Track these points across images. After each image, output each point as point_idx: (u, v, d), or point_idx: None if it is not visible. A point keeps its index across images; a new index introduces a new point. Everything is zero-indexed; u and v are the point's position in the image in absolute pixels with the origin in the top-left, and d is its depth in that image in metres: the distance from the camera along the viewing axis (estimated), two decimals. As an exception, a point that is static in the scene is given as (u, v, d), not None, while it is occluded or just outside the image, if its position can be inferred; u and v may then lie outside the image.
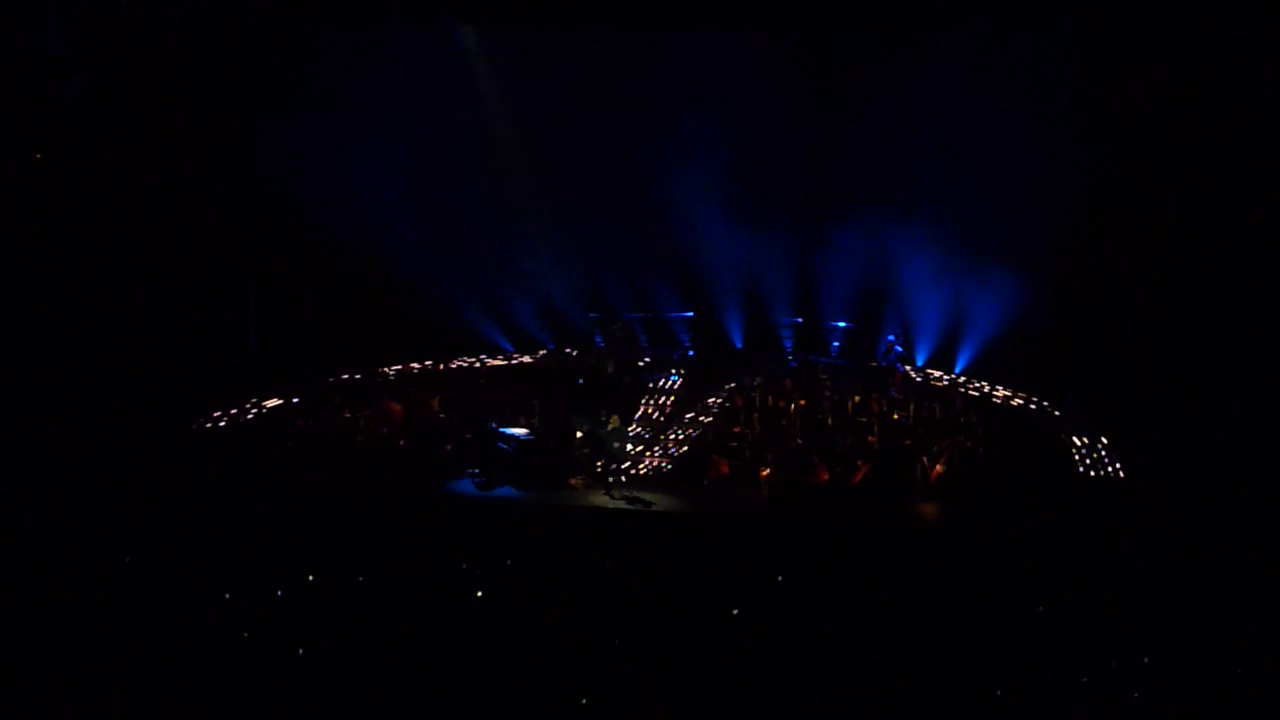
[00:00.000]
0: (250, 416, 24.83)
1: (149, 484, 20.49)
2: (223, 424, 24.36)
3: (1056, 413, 25.29)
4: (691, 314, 30.39)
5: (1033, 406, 25.86)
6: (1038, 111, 24.91)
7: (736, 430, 24.58)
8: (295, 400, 25.46)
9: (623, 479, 22.27)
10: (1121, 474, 22.69)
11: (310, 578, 15.85)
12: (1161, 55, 23.41)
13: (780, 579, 16.37)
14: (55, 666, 12.85)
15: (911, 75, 26.07)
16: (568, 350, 29.94)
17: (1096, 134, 24.54)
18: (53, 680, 12.59)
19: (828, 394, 25.91)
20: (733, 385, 26.44)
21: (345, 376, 27.23)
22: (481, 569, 16.54)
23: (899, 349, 27.61)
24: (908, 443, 23.47)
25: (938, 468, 22.39)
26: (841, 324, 29.49)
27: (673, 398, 26.35)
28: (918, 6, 25.17)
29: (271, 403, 25.24)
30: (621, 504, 21.13)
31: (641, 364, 28.73)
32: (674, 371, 27.78)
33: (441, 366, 28.69)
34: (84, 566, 15.97)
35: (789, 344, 29.88)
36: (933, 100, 26.13)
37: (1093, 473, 22.88)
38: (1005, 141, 25.11)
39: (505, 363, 29.49)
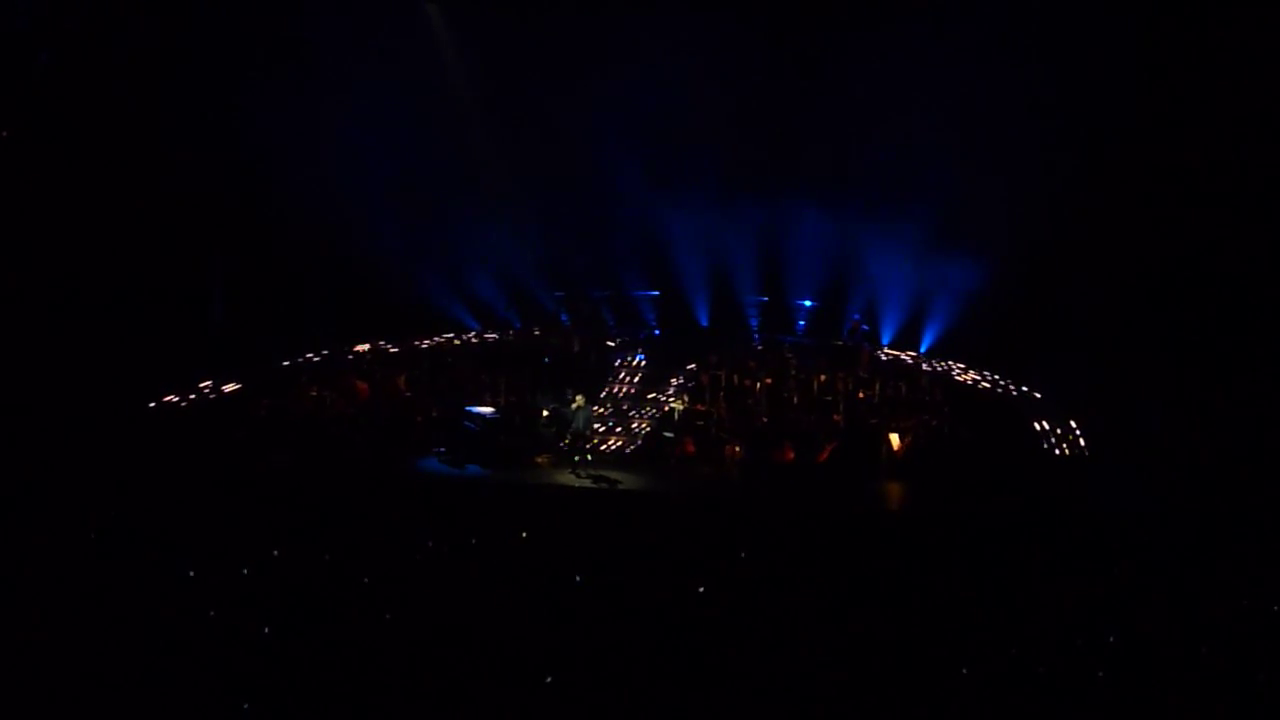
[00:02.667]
0: (214, 395, 24.68)
1: (114, 461, 20.35)
2: (187, 402, 24.21)
3: (1034, 394, 25.33)
4: (657, 293, 30.40)
5: (1004, 387, 25.96)
6: (1004, 93, 25.00)
7: (702, 409, 24.62)
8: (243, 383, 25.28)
9: (588, 457, 22.28)
10: (1087, 454, 22.87)
11: (275, 555, 15.80)
12: (1126, 40, 23.58)
13: (744, 555, 16.40)
14: (17, 644, 12.76)
15: (879, 57, 26.06)
16: (534, 329, 29.87)
17: (1063, 114, 24.69)
18: (14, 657, 12.50)
19: (793, 373, 25.97)
20: (693, 365, 26.43)
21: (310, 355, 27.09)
22: (447, 547, 16.50)
23: (865, 328, 27.71)
24: (873, 421, 23.58)
25: (901, 442, 22.46)
26: (807, 303, 29.56)
27: (638, 376, 26.34)
28: None
29: (230, 386, 25.05)
30: (587, 482, 21.14)
31: (609, 343, 28.72)
32: (639, 350, 27.78)
33: (407, 345, 28.56)
34: (48, 543, 15.85)
35: (755, 323, 29.93)
36: (899, 82, 26.14)
37: (1057, 451, 23.08)
38: (971, 122, 25.25)
39: (472, 341, 29.41)
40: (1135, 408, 22.63)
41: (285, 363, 26.42)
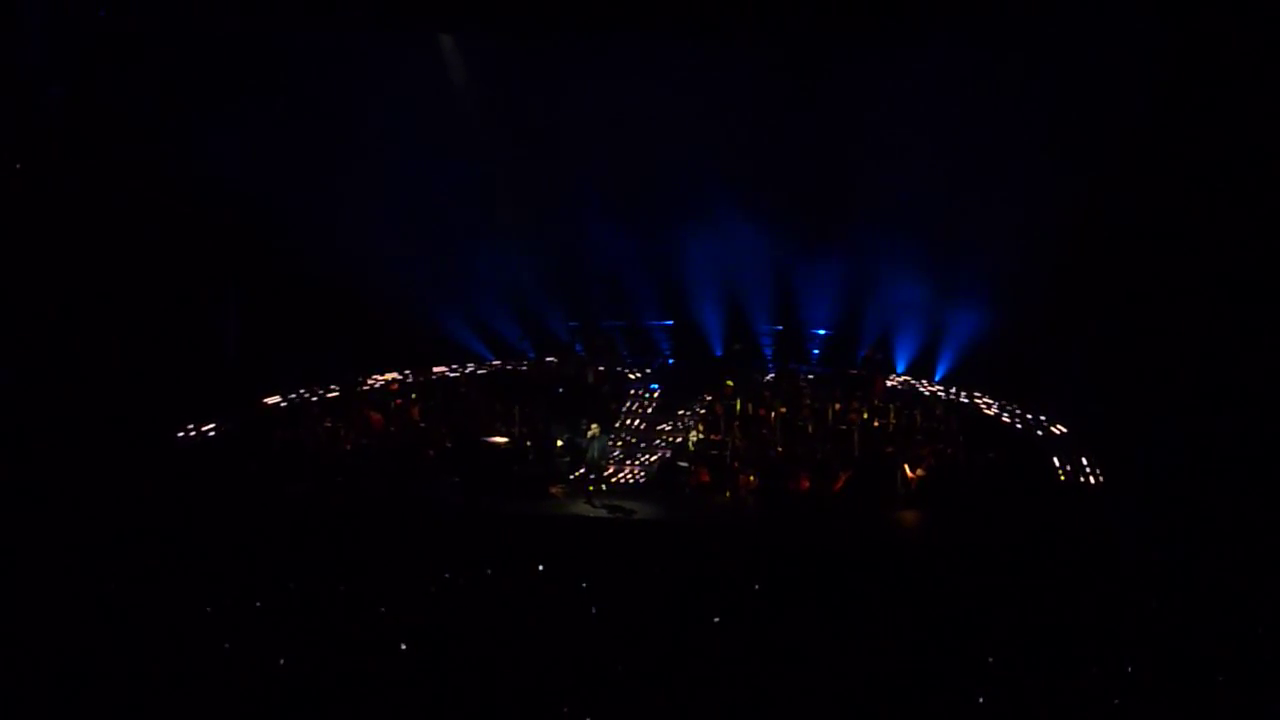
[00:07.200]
0: (226, 428, 24.70)
1: (127, 494, 20.38)
2: (201, 435, 24.25)
3: (1054, 426, 25.20)
4: (671, 322, 30.39)
5: (1022, 419, 25.82)
6: (1017, 121, 25.00)
7: (717, 438, 24.56)
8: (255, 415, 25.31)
9: (603, 487, 22.24)
10: (1101, 481, 22.76)
11: (289, 586, 15.80)
12: (1137, 68, 23.59)
13: (758, 587, 16.36)
14: (30, 678, 12.76)
15: (893, 86, 26.07)
16: (548, 359, 29.85)
17: (1075, 142, 24.67)
18: (28, 692, 12.50)
19: (808, 402, 25.90)
20: (708, 396, 26.35)
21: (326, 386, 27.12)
22: (462, 578, 16.49)
23: (879, 356, 27.66)
24: (889, 450, 23.50)
25: (917, 472, 22.37)
26: (822, 332, 29.52)
27: (652, 406, 26.31)
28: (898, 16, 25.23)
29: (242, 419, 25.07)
30: (602, 512, 21.11)
31: (625, 373, 28.69)
32: (654, 380, 27.75)
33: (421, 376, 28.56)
34: (61, 577, 15.86)
35: (769, 352, 29.89)
36: (914, 111, 26.15)
37: (1070, 478, 22.96)
38: (985, 150, 25.21)
39: (486, 371, 29.42)
40: (1150, 433, 22.52)
41: (298, 394, 26.41)
